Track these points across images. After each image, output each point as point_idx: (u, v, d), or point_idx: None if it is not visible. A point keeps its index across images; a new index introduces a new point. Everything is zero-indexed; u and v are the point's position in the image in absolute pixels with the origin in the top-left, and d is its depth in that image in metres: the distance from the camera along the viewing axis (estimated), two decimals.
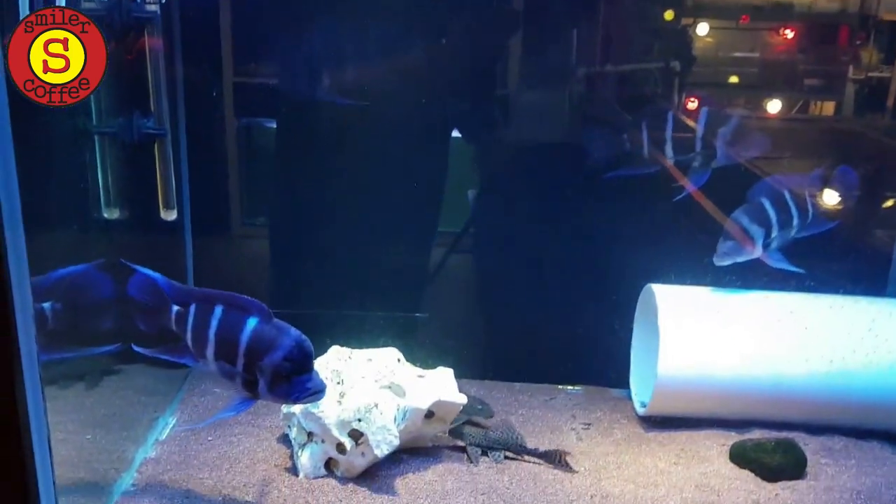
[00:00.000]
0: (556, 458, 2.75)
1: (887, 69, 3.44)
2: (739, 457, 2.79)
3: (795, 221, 3.02)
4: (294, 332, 2.14)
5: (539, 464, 2.76)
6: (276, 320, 2.16)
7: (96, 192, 2.58)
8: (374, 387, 2.65)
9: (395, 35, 3.27)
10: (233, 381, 2.21)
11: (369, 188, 3.40)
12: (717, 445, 2.91)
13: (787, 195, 2.99)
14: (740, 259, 2.96)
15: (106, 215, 2.63)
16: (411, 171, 3.40)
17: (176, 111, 2.97)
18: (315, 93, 3.32)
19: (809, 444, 2.89)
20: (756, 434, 2.94)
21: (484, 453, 2.79)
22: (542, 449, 2.79)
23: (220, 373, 2.23)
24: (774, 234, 2.96)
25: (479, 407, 2.99)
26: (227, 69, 3.30)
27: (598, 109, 3.42)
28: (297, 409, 2.63)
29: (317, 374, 2.16)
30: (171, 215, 2.69)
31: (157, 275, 2.29)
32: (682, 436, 2.99)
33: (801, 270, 3.03)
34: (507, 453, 2.79)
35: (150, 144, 2.65)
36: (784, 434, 2.92)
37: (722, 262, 2.96)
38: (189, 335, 2.25)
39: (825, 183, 3.15)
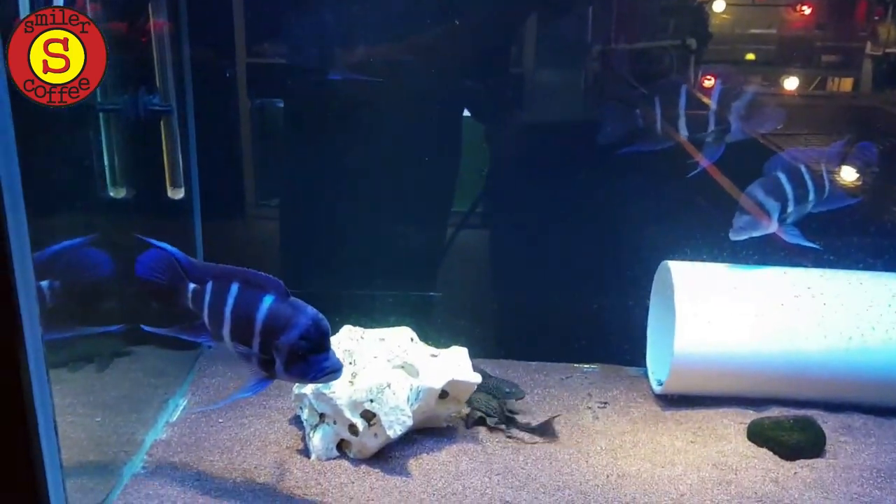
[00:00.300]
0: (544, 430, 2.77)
1: None
2: (757, 435, 2.75)
3: (812, 196, 2.96)
4: (311, 310, 2.10)
5: (554, 443, 2.72)
6: (292, 298, 2.12)
7: (101, 170, 2.54)
8: (386, 367, 2.62)
9: (408, 12, 3.22)
10: (249, 360, 2.18)
11: (381, 167, 3.37)
12: (734, 424, 2.87)
13: (804, 169, 2.93)
14: (756, 234, 2.91)
15: (112, 194, 2.59)
16: (424, 150, 3.35)
17: (184, 88, 2.93)
18: (326, 69, 3.27)
19: (828, 422, 2.85)
20: (774, 412, 2.90)
21: (482, 421, 2.79)
22: (534, 423, 2.81)
23: (236, 352, 2.20)
24: (790, 208, 2.90)
25: (508, 390, 2.93)
26: (239, 49, 3.27)
27: (613, 86, 3.37)
28: (308, 390, 2.60)
29: (333, 353, 2.12)
30: (178, 194, 2.65)
31: (174, 250, 2.25)
32: (699, 414, 2.95)
33: (816, 246, 2.98)
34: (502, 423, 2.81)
35: (156, 121, 2.61)
36: (802, 412, 2.87)
37: (738, 236, 2.91)
38: (206, 313, 2.22)
39: (843, 158, 3.08)
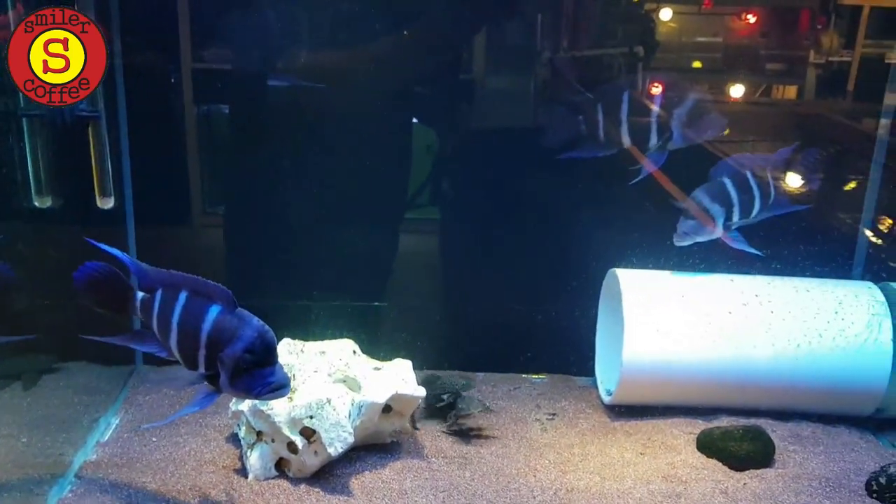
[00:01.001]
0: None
1: (847, 54, 3.41)
2: (707, 446, 2.71)
3: (757, 202, 2.94)
4: (256, 322, 2.01)
5: (501, 457, 2.66)
6: (239, 310, 2.03)
7: (25, 179, 2.41)
8: (327, 381, 2.53)
9: (357, 19, 3.16)
10: (196, 372, 2.08)
11: (327, 175, 3.29)
12: (684, 434, 2.83)
13: (750, 175, 2.91)
14: (700, 239, 2.87)
15: (37, 204, 2.46)
16: (370, 157, 3.28)
17: (115, 93, 2.82)
18: (269, 74, 3.17)
19: (777, 431, 2.82)
20: (724, 421, 2.87)
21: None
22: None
23: (183, 364, 2.10)
24: (735, 214, 2.88)
25: (464, 382, 2.94)
26: (185, 54, 3.17)
27: (559, 91, 3.33)
28: (245, 406, 2.49)
29: (280, 367, 2.03)
30: (107, 203, 2.53)
31: (123, 255, 2.15)
32: (649, 425, 2.90)
33: (759, 253, 2.96)
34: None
35: (83, 127, 2.48)
36: (752, 421, 2.85)
37: (682, 241, 2.87)
38: (154, 322, 2.12)
39: (788, 165, 3.07)
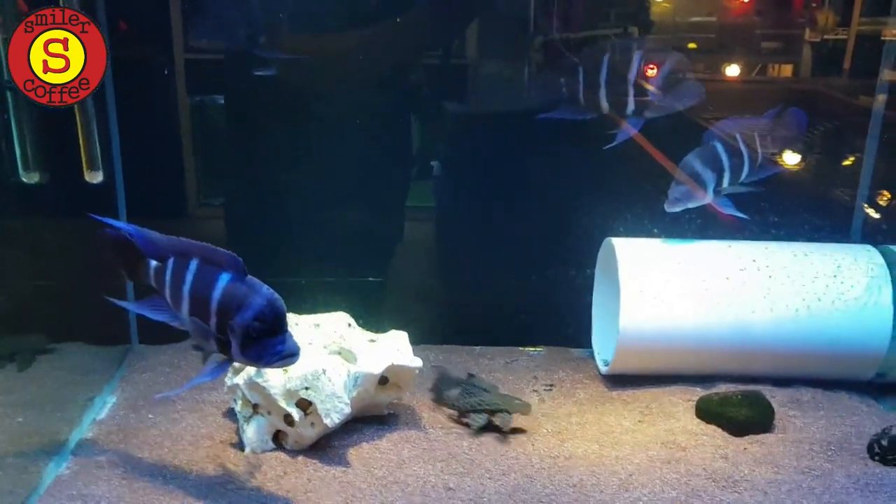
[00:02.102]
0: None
1: (843, 31, 3.40)
2: (706, 412, 2.70)
3: (746, 166, 2.92)
4: (266, 290, 1.99)
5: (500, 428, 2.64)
6: (249, 277, 2.01)
7: (12, 155, 2.39)
8: (322, 353, 2.51)
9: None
10: (207, 341, 2.07)
11: (322, 153, 3.28)
12: (682, 402, 2.81)
13: (739, 139, 2.89)
14: (692, 205, 2.85)
15: (25, 180, 2.44)
16: (366, 134, 3.26)
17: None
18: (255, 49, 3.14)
19: (777, 397, 2.80)
20: (722, 388, 2.85)
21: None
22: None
23: (195, 332, 2.09)
24: (726, 179, 2.85)
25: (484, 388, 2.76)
26: (177, 42, 3.16)
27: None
28: (240, 380, 2.48)
29: (290, 336, 2.01)
30: (96, 177, 2.51)
31: (131, 227, 2.14)
32: (647, 394, 2.88)
33: (747, 217, 2.94)
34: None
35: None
36: (751, 387, 2.83)
37: (673, 208, 2.85)
38: (167, 291, 2.11)
39: (776, 126, 3.05)
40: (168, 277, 2.10)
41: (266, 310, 1.96)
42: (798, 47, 3.46)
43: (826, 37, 3.42)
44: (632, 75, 2.80)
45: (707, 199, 2.84)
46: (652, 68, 2.98)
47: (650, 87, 2.80)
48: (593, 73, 2.83)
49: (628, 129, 2.85)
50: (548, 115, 2.89)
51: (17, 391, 2.75)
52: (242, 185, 3.44)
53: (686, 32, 3.42)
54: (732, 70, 3.43)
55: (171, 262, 2.10)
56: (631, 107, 2.82)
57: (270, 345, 1.98)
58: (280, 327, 2.00)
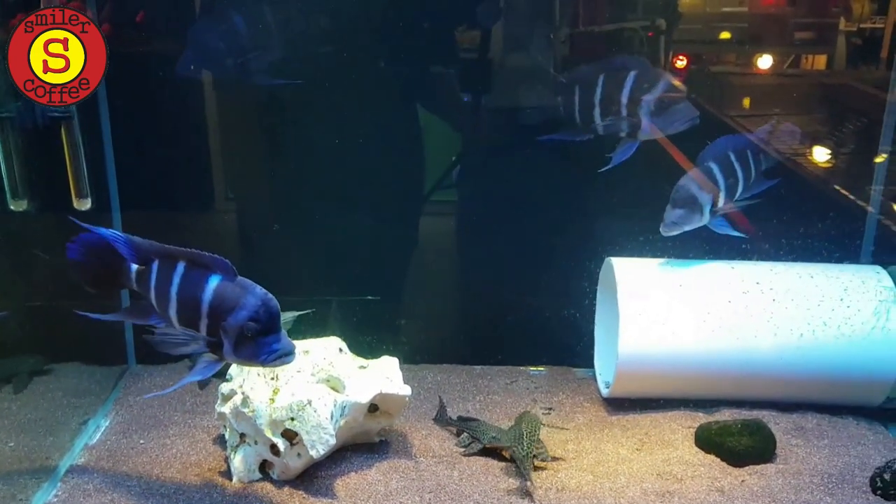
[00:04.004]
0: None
1: (880, 20, 3.25)
2: (705, 441, 2.63)
3: (741, 185, 2.86)
4: (259, 290, 2.01)
5: (491, 455, 2.59)
6: (240, 278, 2.03)
7: None
8: (310, 381, 2.48)
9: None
10: (197, 343, 2.08)
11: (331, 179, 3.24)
12: (682, 428, 2.75)
13: (733, 157, 2.82)
14: (688, 228, 2.77)
15: (12, 207, 2.44)
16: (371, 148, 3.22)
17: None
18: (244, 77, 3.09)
19: (780, 423, 2.73)
20: (725, 414, 2.78)
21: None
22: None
23: (182, 334, 2.10)
24: (721, 199, 2.78)
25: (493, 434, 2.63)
26: None
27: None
28: (227, 409, 2.46)
29: (285, 335, 2.03)
30: (84, 205, 2.49)
31: (110, 232, 2.14)
32: (647, 419, 2.82)
33: (743, 235, 2.87)
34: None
35: (56, 128, 2.44)
36: (754, 413, 2.76)
37: (670, 231, 2.78)
38: (152, 294, 2.12)
39: (769, 140, 2.98)
40: (153, 280, 2.11)
41: (261, 309, 1.98)
42: (832, 37, 3.32)
43: (862, 26, 3.27)
44: (624, 98, 2.73)
45: (703, 220, 2.77)
46: (681, 59, 2.93)
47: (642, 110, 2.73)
48: (588, 94, 2.77)
49: (620, 154, 2.78)
50: (549, 137, 2.83)
51: (11, 415, 2.75)
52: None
53: (717, 22, 3.29)
54: (764, 62, 3.31)
55: (155, 264, 2.12)
56: (624, 129, 2.75)
57: (265, 343, 1.99)
58: (274, 326, 2.01)
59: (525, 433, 2.49)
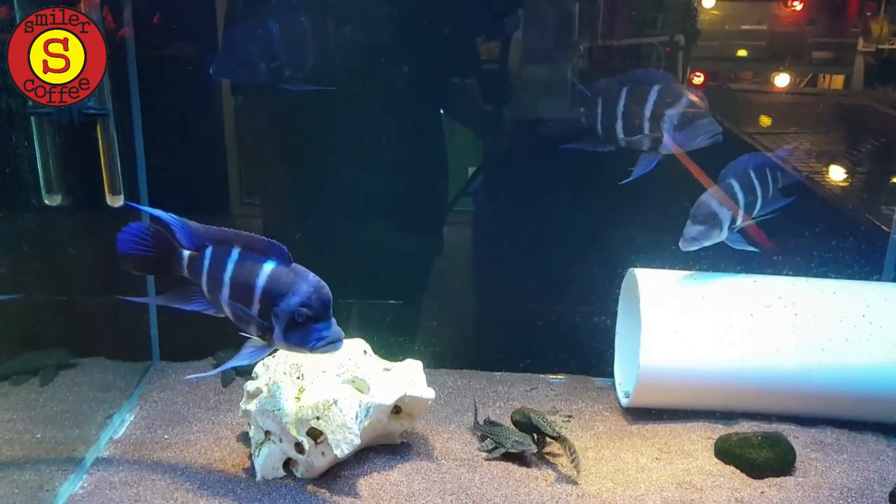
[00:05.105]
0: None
1: None
2: (724, 452, 2.64)
3: (759, 202, 2.88)
4: (312, 277, 2.06)
5: (512, 460, 2.61)
6: (295, 265, 2.07)
7: (35, 178, 2.43)
8: (335, 381, 2.50)
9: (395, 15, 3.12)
10: (247, 326, 2.12)
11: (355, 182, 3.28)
12: (702, 439, 2.76)
13: (753, 175, 2.84)
14: (707, 243, 2.79)
15: (47, 202, 2.48)
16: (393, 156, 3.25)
17: (127, 89, 2.82)
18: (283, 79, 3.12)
19: (800, 437, 2.74)
20: (744, 426, 2.79)
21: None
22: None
23: (233, 317, 2.14)
24: (740, 216, 2.81)
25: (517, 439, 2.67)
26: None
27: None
28: (253, 406, 2.48)
29: (334, 322, 2.08)
30: (117, 201, 2.53)
31: (167, 216, 2.18)
32: (667, 429, 2.84)
33: (757, 250, 2.89)
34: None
35: (91, 125, 2.48)
36: (774, 426, 2.77)
37: (689, 247, 2.79)
38: (204, 279, 2.16)
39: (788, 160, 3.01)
40: (206, 265, 2.15)
41: (313, 296, 2.03)
42: (850, 57, 3.34)
43: (881, 46, 3.29)
44: (647, 111, 2.76)
45: (722, 237, 2.79)
46: (698, 75, 2.95)
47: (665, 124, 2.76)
48: (611, 106, 2.80)
49: (641, 168, 2.81)
50: (570, 145, 2.86)
51: (37, 407, 2.78)
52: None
53: (735, 40, 3.32)
54: (781, 80, 3.33)
55: (208, 250, 2.16)
56: (646, 144, 2.78)
57: (315, 330, 2.05)
58: (326, 314, 2.06)
59: (536, 420, 2.59)
